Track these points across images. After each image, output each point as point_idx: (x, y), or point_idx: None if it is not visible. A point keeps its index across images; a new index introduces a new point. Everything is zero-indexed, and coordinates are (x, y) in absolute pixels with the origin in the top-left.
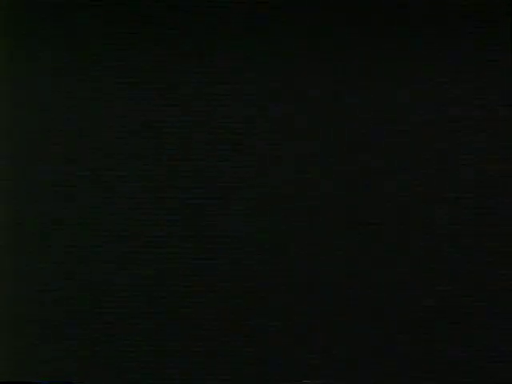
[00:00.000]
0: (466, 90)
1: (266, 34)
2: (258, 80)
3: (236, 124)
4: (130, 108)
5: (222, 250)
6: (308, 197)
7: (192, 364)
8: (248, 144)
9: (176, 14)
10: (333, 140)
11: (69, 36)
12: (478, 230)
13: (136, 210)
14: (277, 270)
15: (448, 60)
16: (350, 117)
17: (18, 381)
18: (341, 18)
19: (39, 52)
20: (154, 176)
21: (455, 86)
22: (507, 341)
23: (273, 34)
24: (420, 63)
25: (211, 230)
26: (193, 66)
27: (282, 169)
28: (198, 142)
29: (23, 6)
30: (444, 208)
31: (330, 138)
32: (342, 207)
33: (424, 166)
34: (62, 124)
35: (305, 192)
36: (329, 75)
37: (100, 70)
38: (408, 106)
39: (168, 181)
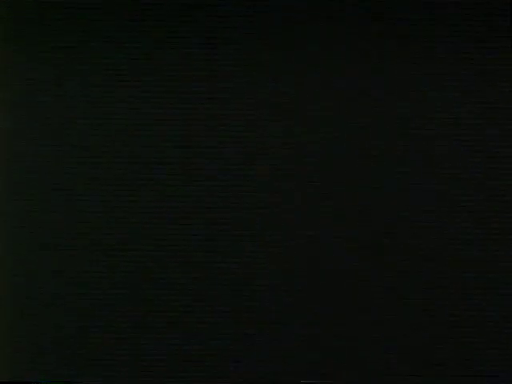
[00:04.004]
0: (466, 90)
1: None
2: (263, 87)
3: (246, 129)
4: (131, 108)
5: (227, 251)
6: (311, 198)
7: (193, 364)
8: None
9: (179, 15)
10: (336, 140)
11: (70, 37)
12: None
13: (138, 210)
14: (281, 271)
15: (448, 60)
16: (352, 119)
17: (18, 381)
18: (340, 17)
19: (40, 53)
20: (160, 181)
21: (455, 86)
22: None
23: (284, 39)
24: (419, 64)
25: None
26: (199, 67)
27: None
28: (203, 147)
29: (23, 7)
30: (451, 211)
31: (333, 139)
32: (345, 209)
33: (423, 165)
34: (62, 125)
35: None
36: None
37: (101, 71)
38: (407, 106)
39: (175, 186)
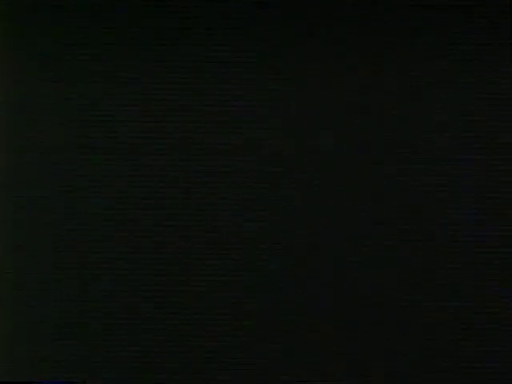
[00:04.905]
0: (466, 90)
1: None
2: (263, 85)
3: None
4: (132, 109)
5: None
6: (310, 197)
7: (194, 364)
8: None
9: (179, 14)
10: (336, 139)
11: (71, 36)
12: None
13: (138, 210)
14: (286, 269)
15: (447, 60)
16: (351, 115)
17: (18, 381)
18: (340, 17)
19: (40, 53)
20: (162, 178)
21: (454, 86)
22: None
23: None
24: (419, 63)
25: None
26: (197, 65)
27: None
28: (204, 146)
29: (23, 6)
30: (452, 209)
31: (334, 137)
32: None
33: (422, 164)
34: (63, 125)
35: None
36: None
37: (102, 71)
38: (406, 106)
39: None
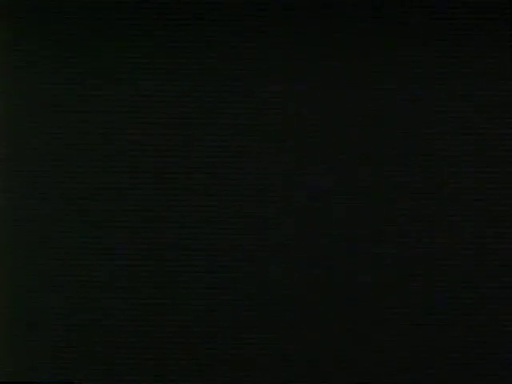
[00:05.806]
0: (465, 91)
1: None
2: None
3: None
4: (133, 108)
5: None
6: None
7: (194, 364)
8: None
9: (185, 16)
10: (334, 137)
11: (72, 35)
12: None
13: (140, 212)
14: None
15: (447, 61)
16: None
17: (18, 381)
18: (340, 17)
19: (41, 52)
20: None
21: (454, 86)
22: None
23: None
24: (419, 63)
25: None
26: (204, 68)
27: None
28: (204, 145)
29: (23, 6)
30: (446, 208)
31: (332, 135)
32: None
33: (422, 164)
34: (64, 127)
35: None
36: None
37: (102, 72)
38: (406, 107)
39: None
